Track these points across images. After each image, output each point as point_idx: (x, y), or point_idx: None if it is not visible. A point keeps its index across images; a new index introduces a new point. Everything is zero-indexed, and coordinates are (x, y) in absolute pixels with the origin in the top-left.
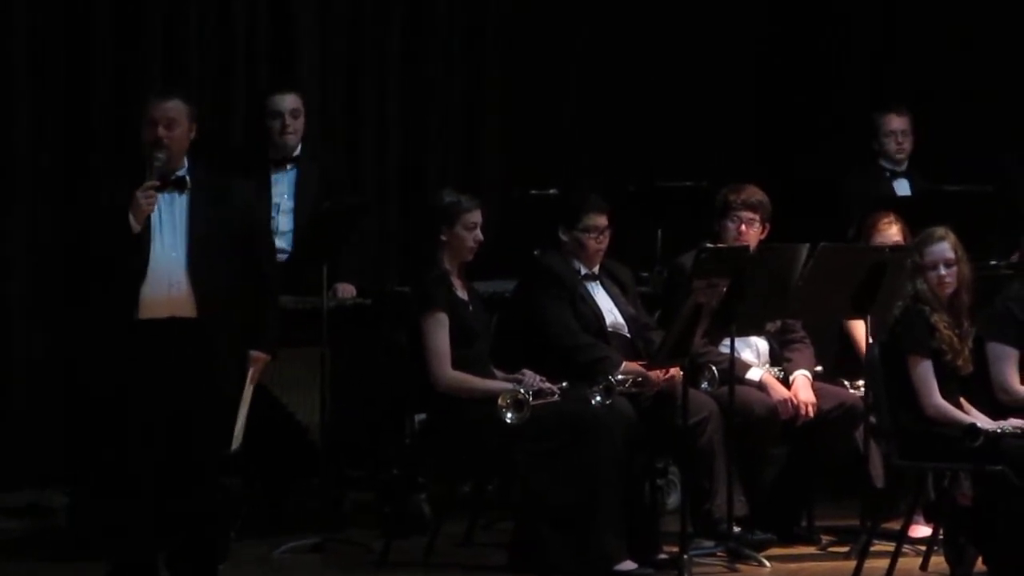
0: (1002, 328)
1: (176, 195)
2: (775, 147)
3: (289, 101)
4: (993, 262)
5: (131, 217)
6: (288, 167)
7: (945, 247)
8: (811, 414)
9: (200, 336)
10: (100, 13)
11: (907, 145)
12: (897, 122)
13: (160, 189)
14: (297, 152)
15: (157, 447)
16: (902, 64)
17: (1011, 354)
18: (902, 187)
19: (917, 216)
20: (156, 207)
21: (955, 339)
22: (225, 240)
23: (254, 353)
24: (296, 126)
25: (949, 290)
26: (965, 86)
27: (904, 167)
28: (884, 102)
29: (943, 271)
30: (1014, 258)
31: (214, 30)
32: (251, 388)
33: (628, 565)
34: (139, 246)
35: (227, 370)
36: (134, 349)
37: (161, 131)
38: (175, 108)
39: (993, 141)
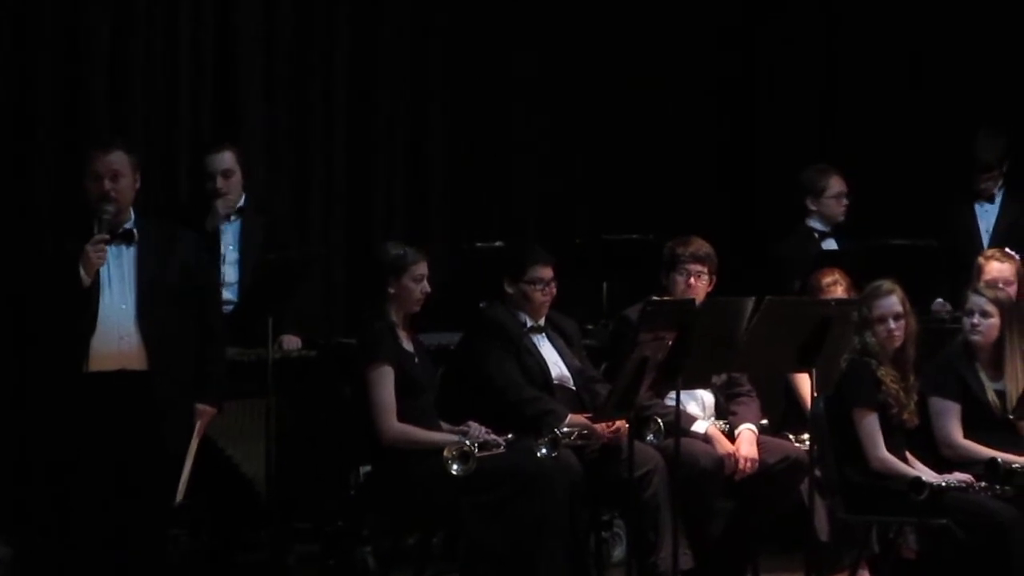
0: (943, 382)
1: (124, 248)
2: (722, 201)
3: (222, 161)
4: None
5: (81, 271)
6: (233, 219)
7: (894, 301)
8: (750, 470)
9: (149, 389)
10: (43, 63)
11: (847, 206)
12: (841, 184)
13: (108, 242)
14: (242, 203)
15: (103, 500)
16: (841, 123)
17: (953, 409)
18: (830, 246)
19: (860, 270)
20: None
21: (901, 393)
22: (173, 292)
23: (200, 406)
24: (230, 185)
25: (897, 343)
26: (904, 143)
27: (831, 227)
28: (821, 164)
29: (892, 325)
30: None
31: (158, 82)
32: (196, 441)
33: None
34: (89, 299)
35: (174, 423)
36: (83, 402)
37: (107, 184)
38: (119, 160)
39: (929, 197)
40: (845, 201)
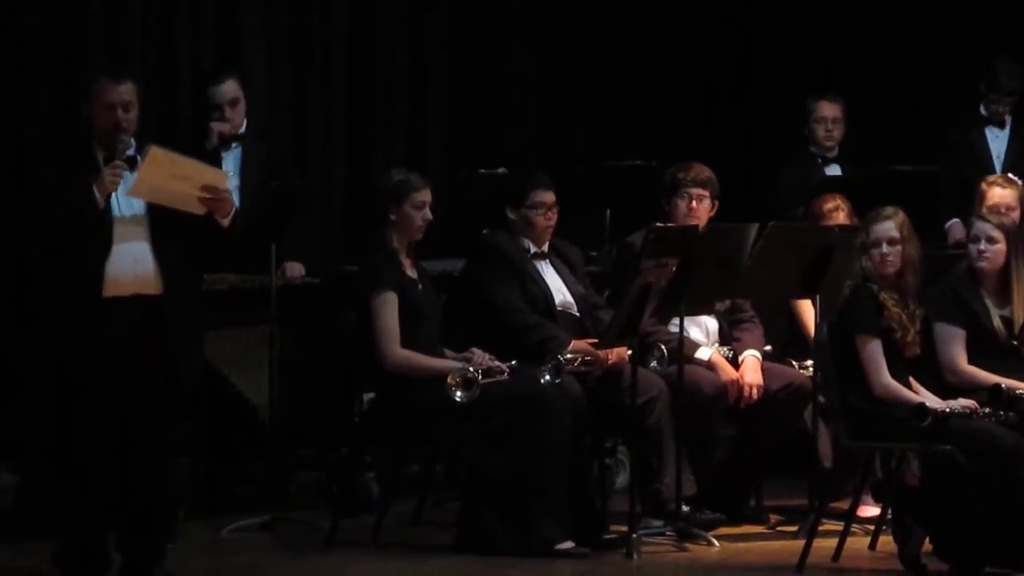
0: (948, 308)
1: (128, 174)
2: (725, 127)
3: (226, 91)
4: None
5: (96, 193)
6: (233, 146)
7: (889, 226)
8: (755, 396)
9: (162, 314)
10: None
11: (836, 133)
12: (828, 109)
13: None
14: (242, 130)
15: (112, 426)
16: (843, 49)
17: (958, 334)
18: (833, 173)
19: (862, 196)
20: None
21: (904, 318)
22: (181, 215)
23: None
24: (235, 113)
25: (891, 269)
26: (905, 68)
27: (835, 153)
28: (818, 88)
29: (885, 249)
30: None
31: (158, 11)
32: None
33: (567, 545)
34: (102, 223)
35: (186, 350)
36: (98, 327)
37: (120, 114)
38: (130, 91)
39: (932, 124)
40: (830, 127)
